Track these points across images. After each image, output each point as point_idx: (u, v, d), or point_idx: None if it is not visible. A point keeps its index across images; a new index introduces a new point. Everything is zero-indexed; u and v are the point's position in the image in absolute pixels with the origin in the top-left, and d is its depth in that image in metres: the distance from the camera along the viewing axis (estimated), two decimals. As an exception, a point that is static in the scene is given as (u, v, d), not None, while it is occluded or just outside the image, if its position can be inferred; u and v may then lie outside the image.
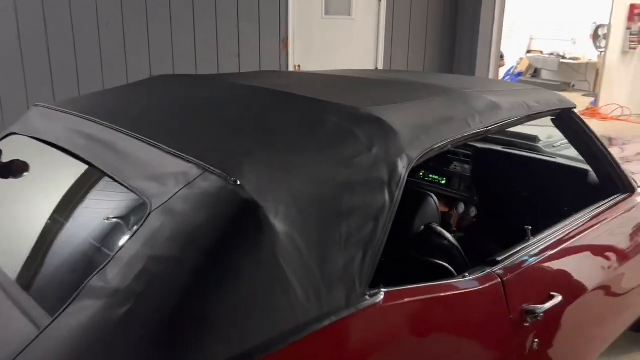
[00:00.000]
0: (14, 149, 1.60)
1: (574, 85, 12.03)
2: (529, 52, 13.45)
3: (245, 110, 1.50)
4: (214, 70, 4.80)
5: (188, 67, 4.75)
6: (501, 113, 1.61)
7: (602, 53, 9.59)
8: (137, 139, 1.30)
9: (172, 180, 1.13)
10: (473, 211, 2.67)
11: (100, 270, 1.01)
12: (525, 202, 2.43)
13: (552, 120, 1.94)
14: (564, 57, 12.28)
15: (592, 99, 9.96)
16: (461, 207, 2.70)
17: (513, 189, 2.50)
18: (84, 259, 1.16)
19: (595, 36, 11.29)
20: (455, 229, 2.71)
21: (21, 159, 1.54)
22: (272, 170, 1.13)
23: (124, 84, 2.04)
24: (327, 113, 1.35)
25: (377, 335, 1.16)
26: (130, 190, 1.16)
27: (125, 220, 1.17)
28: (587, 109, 9.50)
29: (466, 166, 2.66)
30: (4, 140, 1.67)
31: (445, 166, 2.75)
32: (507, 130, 2.79)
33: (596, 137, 1.97)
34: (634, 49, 8.99)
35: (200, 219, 1.05)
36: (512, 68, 13.15)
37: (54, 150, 1.46)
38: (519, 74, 12.87)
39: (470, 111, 1.54)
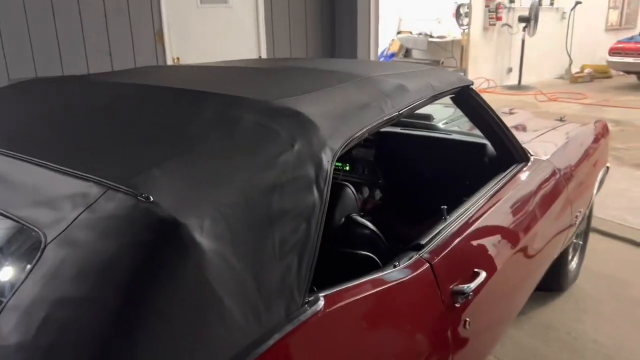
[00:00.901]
0: None
1: (442, 63, 12.72)
2: (399, 33, 14.00)
3: (144, 114, 1.32)
4: (83, 70, 4.38)
5: (53, 69, 4.29)
6: (409, 95, 1.59)
7: (465, 30, 10.22)
8: (15, 158, 1.09)
9: (68, 203, 0.95)
10: (378, 194, 2.68)
11: None
12: (428, 180, 2.48)
13: (451, 98, 1.97)
14: (431, 36, 12.94)
15: (461, 74, 10.61)
16: (366, 192, 2.70)
17: (415, 168, 2.54)
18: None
19: (458, 14, 12.00)
20: (362, 213, 2.71)
21: None
22: (189, 181, 0.99)
23: None
24: (240, 109, 1.23)
25: (323, 344, 1.08)
26: (16, 222, 0.97)
27: (14, 259, 0.97)
28: (458, 83, 10.11)
29: (368, 150, 2.65)
30: None
31: (348, 152, 2.72)
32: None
33: (493, 111, 2.03)
34: (493, 25, 9.68)
35: (109, 247, 0.89)
36: (385, 50, 13.62)
37: None
38: (392, 55, 13.36)
39: (382, 96, 1.50)
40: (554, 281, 2.85)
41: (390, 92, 1.53)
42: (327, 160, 1.18)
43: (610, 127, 3.37)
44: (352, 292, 1.17)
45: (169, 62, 4.85)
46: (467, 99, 1.97)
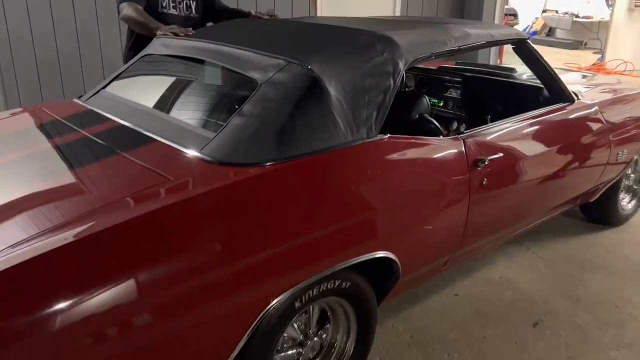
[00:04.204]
0: (156, 61, 2.54)
1: (586, 44, 12.52)
2: (544, 11, 13.90)
3: (304, 34, 2.39)
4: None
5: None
6: (470, 38, 2.45)
7: (611, 11, 10.12)
8: (243, 49, 2.19)
9: (270, 68, 2.02)
10: (463, 127, 3.51)
11: (239, 110, 1.92)
12: (500, 113, 3.27)
13: (513, 49, 2.77)
14: (577, 16, 12.75)
15: (599, 56, 10.55)
16: (454, 125, 3.54)
17: (491, 106, 3.34)
18: (230, 105, 2.14)
19: (608, -5, 11.75)
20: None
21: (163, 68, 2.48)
22: (326, 63, 2.01)
23: (213, 25, 2.95)
24: (357, 35, 2.22)
25: (382, 157, 2.04)
26: (247, 76, 2.06)
27: (246, 89, 2.07)
28: (594, 64, 10.11)
29: (458, 91, 3.50)
30: (145, 57, 2.58)
31: (443, 92, 3.60)
32: (491, 64, 3.62)
33: (544, 61, 2.80)
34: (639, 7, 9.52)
35: (288, 87, 1.94)
36: (527, 27, 13.65)
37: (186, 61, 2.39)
38: (534, 33, 13.36)
39: (449, 36, 2.38)
40: (604, 216, 3.51)
41: (455, 35, 2.41)
42: (402, 64, 2.12)
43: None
44: (406, 139, 2.13)
45: (319, 22, 5.94)
46: (524, 50, 2.76)
